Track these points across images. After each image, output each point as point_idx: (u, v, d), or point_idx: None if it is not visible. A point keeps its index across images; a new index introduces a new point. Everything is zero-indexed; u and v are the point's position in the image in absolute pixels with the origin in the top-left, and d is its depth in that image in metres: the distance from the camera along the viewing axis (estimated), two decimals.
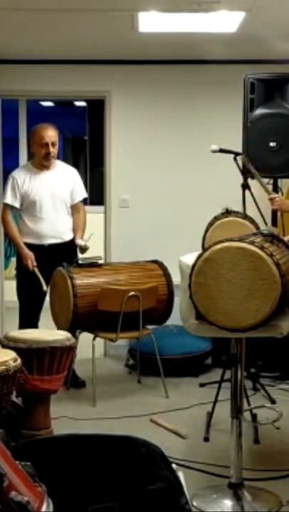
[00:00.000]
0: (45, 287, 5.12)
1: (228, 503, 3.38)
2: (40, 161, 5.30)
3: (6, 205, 5.32)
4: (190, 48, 5.80)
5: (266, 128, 5.16)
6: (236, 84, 5.38)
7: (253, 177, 4.50)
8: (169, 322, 5.37)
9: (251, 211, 4.49)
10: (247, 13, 4.71)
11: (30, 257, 5.18)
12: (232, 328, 2.99)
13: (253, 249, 2.91)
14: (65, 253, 5.25)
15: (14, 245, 5.38)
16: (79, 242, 5.27)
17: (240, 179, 4.72)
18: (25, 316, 5.30)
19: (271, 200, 4.23)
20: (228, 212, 4.05)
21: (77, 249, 5.29)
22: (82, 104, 10.32)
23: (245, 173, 4.64)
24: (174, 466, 2.86)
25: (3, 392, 3.34)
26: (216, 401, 4.43)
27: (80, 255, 5.24)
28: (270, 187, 5.07)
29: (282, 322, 3.05)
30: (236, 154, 4.64)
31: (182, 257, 3.33)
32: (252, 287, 2.89)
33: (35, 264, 5.16)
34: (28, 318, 5.24)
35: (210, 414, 4.41)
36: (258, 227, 3.96)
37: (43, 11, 4.72)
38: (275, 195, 4.32)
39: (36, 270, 5.15)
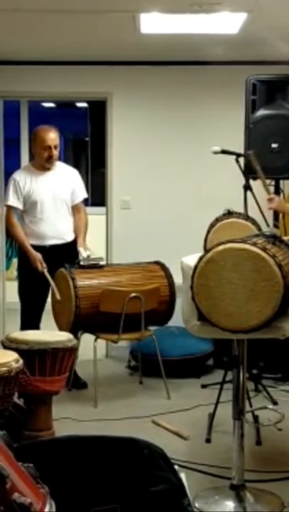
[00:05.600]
0: (58, 296, 5.04)
1: (230, 504, 3.37)
2: (42, 163, 5.30)
3: (9, 207, 5.31)
4: (192, 49, 5.80)
5: (268, 129, 5.16)
6: (238, 85, 5.39)
7: (256, 174, 4.49)
8: (171, 323, 5.37)
9: (253, 212, 4.49)
10: (249, 14, 4.71)
11: (39, 259, 5.15)
12: (234, 330, 2.98)
13: (256, 251, 2.91)
14: (67, 254, 5.25)
15: (21, 247, 5.28)
16: (82, 252, 5.21)
17: (242, 180, 4.72)
18: (26, 317, 5.30)
19: (270, 200, 4.24)
20: (229, 214, 4.05)
21: (79, 253, 5.26)
22: (84, 105, 10.34)
23: (249, 170, 4.63)
24: (176, 467, 2.86)
25: (5, 393, 3.35)
26: (217, 402, 4.42)
27: (81, 256, 5.22)
28: (271, 188, 5.08)
29: (284, 323, 3.04)
30: (238, 155, 4.64)
31: (184, 258, 3.33)
32: (254, 288, 2.89)
33: (44, 266, 5.14)
34: (30, 320, 5.23)
35: (212, 416, 4.41)
36: (259, 229, 3.97)
37: (44, 12, 4.72)
38: (275, 195, 4.32)
39: (46, 272, 5.12)
